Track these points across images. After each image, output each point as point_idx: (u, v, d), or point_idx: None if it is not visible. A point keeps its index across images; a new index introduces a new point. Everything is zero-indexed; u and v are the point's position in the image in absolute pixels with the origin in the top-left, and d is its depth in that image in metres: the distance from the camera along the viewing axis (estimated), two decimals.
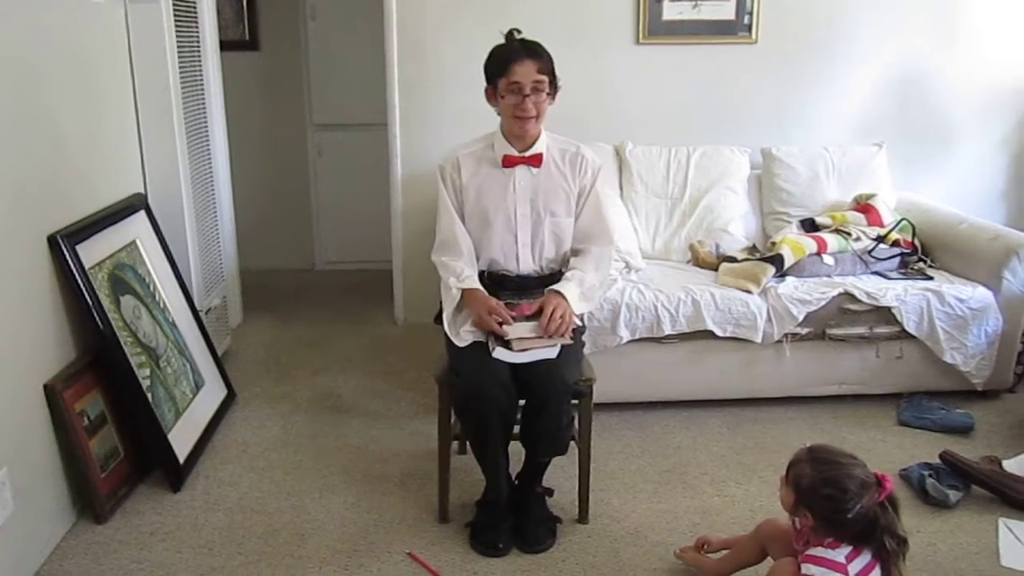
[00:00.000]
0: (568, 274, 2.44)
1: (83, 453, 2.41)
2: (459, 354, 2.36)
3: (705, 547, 2.27)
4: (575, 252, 2.52)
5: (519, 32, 2.40)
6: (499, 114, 2.43)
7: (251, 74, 4.87)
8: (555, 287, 2.39)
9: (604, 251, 2.52)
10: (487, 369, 2.25)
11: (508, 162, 2.43)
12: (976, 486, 2.62)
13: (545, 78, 2.34)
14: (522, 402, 2.32)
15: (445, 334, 2.42)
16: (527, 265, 2.48)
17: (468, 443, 2.43)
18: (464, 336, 2.35)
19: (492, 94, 2.40)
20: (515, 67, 2.31)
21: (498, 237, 2.45)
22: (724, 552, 2.22)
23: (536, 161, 2.44)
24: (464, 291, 2.37)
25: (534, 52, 2.34)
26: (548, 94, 2.37)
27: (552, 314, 2.30)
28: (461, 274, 2.40)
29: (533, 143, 2.43)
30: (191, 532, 2.44)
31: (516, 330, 2.29)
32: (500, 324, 2.30)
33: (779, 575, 1.91)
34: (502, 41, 2.40)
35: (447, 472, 2.49)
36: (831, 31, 3.90)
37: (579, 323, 2.46)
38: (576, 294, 2.39)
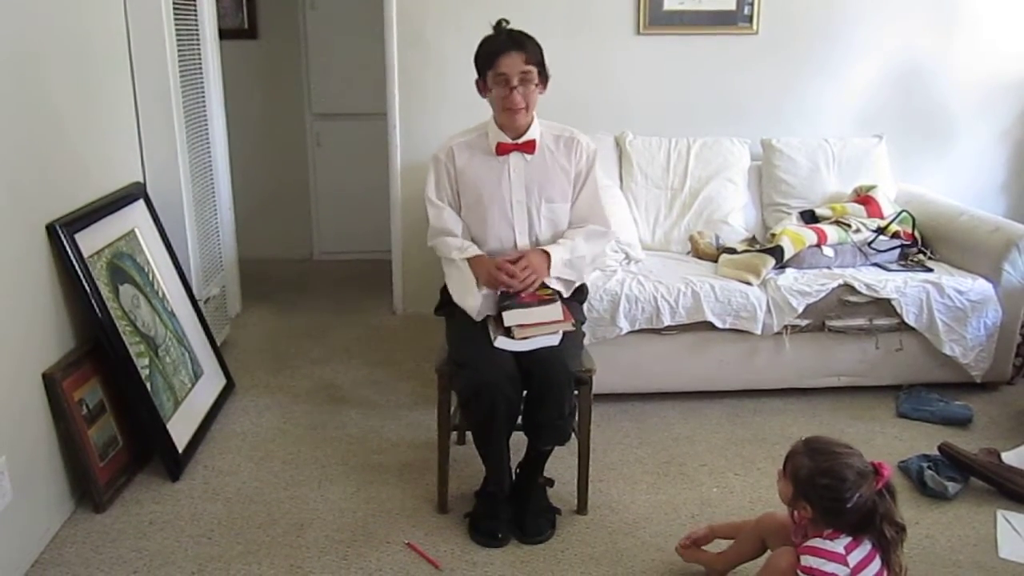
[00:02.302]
0: (561, 240, 2.45)
1: (82, 442, 2.41)
2: (462, 345, 2.35)
3: (698, 542, 2.24)
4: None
5: (507, 22, 2.38)
6: (491, 105, 2.42)
7: (250, 63, 4.85)
8: (544, 247, 2.40)
9: (599, 230, 2.51)
10: (493, 360, 2.24)
11: (502, 150, 2.42)
12: (975, 478, 2.63)
13: (533, 68, 2.32)
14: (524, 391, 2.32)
15: (446, 324, 2.42)
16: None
17: (471, 434, 2.41)
18: (478, 302, 2.34)
19: (483, 86, 2.39)
20: (502, 59, 2.29)
21: (495, 224, 2.45)
22: (718, 546, 2.23)
23: (529, 148, 2.43)
24: (469, 260, 2.39)
25: (520, 43, 2.31)
26: (537, 84, 2.35)
27: (524, 264, 2.32)
28: (462, 246, 2.42)
29: (526, 131, 2.42)
30: (190, 521, 2.44)
31: (517, 317, 2.28)
32: (507, 288, 2.30)
33: (776, 563, 1.91)
34: (492, 32, 2.38)
35: (446, 462, 2.49)
36: (832, 22, 3.89)
37: (580, 315, 2.45)
38: (562, 258, 2.40)
